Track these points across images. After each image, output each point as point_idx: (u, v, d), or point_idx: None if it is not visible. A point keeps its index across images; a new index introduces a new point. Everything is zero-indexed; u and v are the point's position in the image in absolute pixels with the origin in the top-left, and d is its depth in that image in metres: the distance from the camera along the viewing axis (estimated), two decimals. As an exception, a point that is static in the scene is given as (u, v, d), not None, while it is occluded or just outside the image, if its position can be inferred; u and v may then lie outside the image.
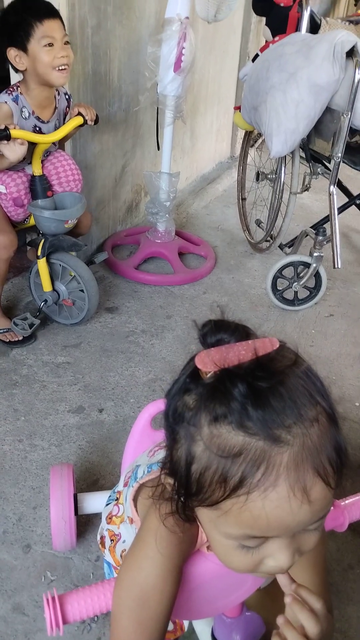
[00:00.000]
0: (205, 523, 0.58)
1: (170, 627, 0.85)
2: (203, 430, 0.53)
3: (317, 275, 2.28)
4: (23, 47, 1.72)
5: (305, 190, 2.38)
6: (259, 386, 0.51)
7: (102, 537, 0.91)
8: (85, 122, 1.91)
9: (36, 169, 1.89)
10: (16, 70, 1.82)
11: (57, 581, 1.29)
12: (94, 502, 1.29)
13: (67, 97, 1.95)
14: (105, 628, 1.20)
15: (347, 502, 0.71)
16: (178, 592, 0.64)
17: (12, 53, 1.74)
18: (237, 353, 0.53)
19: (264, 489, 0.50)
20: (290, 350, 0.57)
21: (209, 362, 0.53)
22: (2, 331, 2.01)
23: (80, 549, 1.35)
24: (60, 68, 1.74)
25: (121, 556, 0.86)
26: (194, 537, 0.66)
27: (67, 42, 1.76)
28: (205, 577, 0.66)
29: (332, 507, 0.70)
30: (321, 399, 0.54)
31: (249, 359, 0.53)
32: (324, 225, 2.29)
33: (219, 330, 0.56)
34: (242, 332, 0.57)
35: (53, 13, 1.74)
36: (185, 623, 0.90)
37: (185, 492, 0.56)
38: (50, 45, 1.71)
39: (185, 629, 0.90)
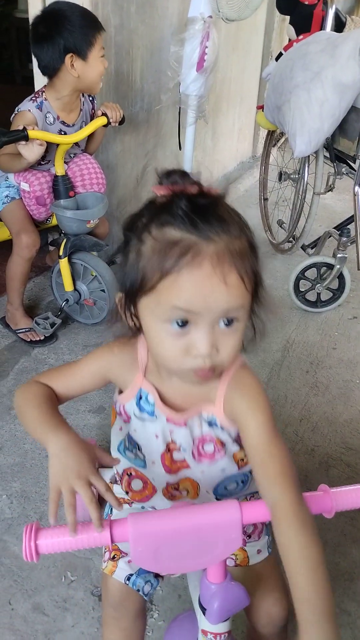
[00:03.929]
0: (146, 316, 0.71)
1: (140, 486, 0.91)
2: (152, 231, 0.68)
3: (340, 277, 2.25)
4: (84, 55, 1.76)
5: (329, 191, 2.35)
6: (198, 202, 0.67)
7: None
8: (108, 122, 1.91)
9: (59, 169, 1.89)
10: (44, 73, 1.83)
11: (77, 581, 1.30)
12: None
13: (90, 98, 1.95)
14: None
15: (335, 490, 0.73)
16: (146, 547, 0.69)
17: (70, 59, 1.76)
18: (186, 185, 0.69)
19: (191, 268, 0.65)
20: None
21: (163, 189, 0.69)
22: (24, 330, 2.02)
23: (100, 549, 1.35)
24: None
25: None
26: (133, 358, 0.82)
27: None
28: (173, 538, 0.69)
29: (320, 492, 0.75)
30: (247, 231, 0.71)
31: (194, 191, 0.68)
32: (348, 226, 2.26)
33: (174, 174, 0.71)
34: (193, 182, 0.70)
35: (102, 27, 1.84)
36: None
37: (132, 290, 0.70)
38: (103, 56, 1.83)
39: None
